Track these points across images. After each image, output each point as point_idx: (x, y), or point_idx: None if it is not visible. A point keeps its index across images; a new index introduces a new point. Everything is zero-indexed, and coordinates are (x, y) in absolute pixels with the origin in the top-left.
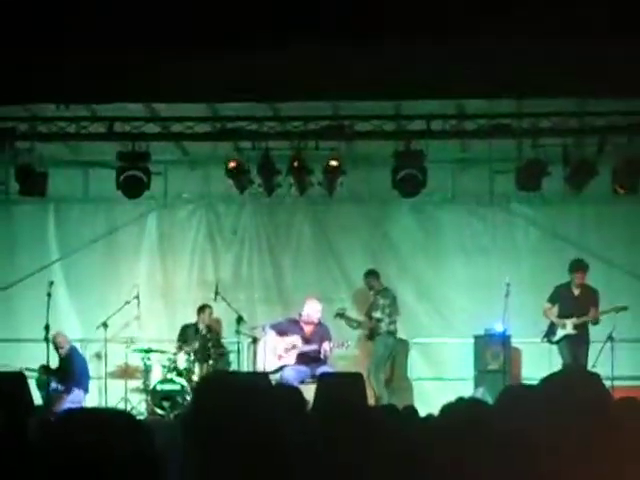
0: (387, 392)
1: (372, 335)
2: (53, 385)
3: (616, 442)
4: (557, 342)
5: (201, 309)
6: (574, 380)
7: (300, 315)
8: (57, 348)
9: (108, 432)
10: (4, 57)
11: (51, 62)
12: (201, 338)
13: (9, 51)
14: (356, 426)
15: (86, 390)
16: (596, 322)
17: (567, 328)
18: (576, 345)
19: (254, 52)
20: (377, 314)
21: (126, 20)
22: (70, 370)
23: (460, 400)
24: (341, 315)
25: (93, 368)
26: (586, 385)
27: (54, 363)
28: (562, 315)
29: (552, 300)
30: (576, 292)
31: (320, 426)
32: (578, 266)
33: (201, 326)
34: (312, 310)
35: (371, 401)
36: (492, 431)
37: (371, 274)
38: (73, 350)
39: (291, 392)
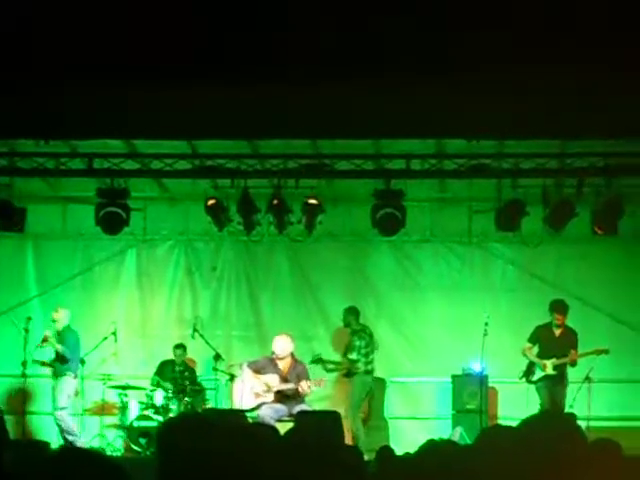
0: (364, 431)
1: (349, 374)
2: None
3: None
4: (536, 382)
5: (175, 348)
6: (551, 422)
7: (273, 353)
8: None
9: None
10: None
11: (31, 96)
12: (178, 375)
13: None
14: (331, 465)
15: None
16: (574, 364)
17: (547, 369)
18: (554, 385)
19: (233, 87)
20: (352, 356)
21: (104, 55)
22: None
23: (432, 442)
24: (317, 361)
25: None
26: (562, 427)
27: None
28: (543, 355)
29: (532, 340)
30: (557, 332)
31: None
32: (559, 306)
33: (177, 364)
34: (280, 347)
35: (348, 441)
36: (466, 472)
37: (350, 312)
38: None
39: (268, 431)
